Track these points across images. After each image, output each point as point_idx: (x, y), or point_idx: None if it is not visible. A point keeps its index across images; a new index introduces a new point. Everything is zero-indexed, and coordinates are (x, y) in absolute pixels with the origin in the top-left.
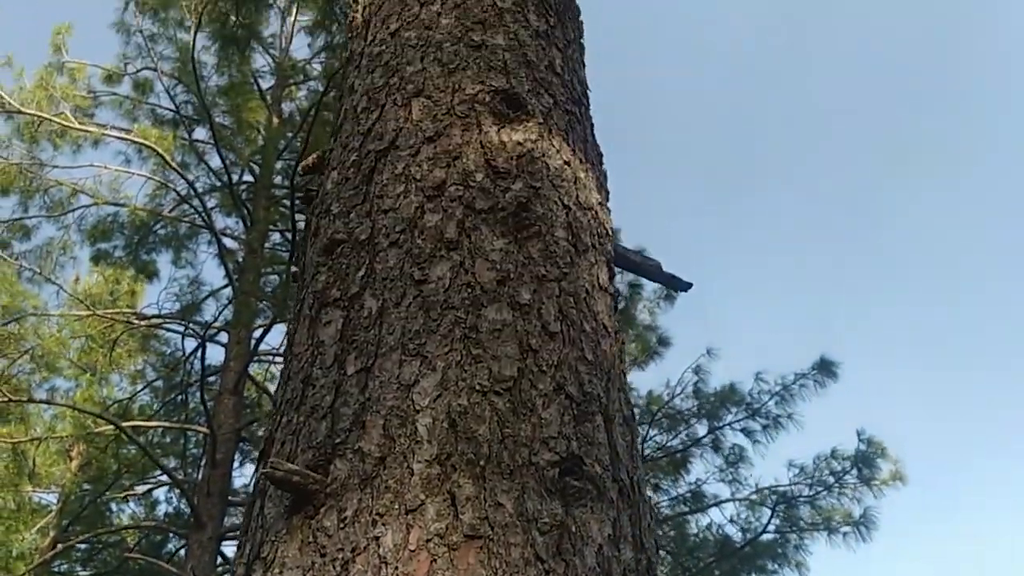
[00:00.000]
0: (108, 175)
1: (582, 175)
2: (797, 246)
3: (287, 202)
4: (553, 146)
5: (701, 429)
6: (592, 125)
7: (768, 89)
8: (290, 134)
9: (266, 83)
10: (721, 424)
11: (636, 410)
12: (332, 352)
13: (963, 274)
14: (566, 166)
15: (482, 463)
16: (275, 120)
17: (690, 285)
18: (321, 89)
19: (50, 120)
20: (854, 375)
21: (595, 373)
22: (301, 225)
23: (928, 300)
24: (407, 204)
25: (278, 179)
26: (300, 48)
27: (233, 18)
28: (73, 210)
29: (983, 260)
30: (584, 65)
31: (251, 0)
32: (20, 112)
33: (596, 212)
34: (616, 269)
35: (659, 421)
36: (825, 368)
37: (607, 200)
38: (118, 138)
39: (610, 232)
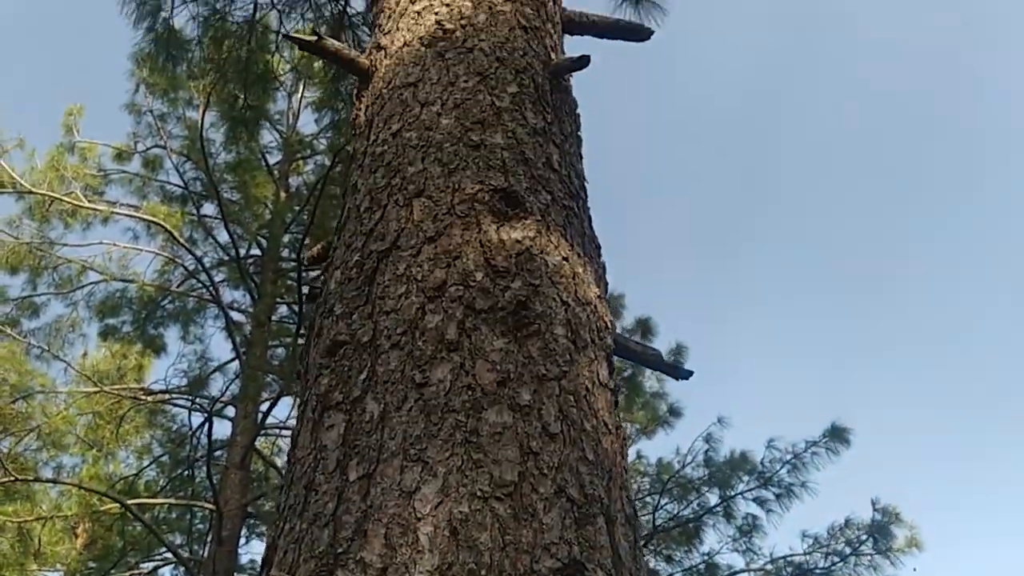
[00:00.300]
0: (117, 252)
1: (580, 270)
2: (804, 311)
3: (294, 275)
4: (551, 242)
5: (713, 498)
6: (590, 218)
7: (771, 151)
8: (297, 207)
9: (273, 158)
10: (733, 493)
11: (646, 479)
12: (334, 457)
13: (976, 334)
14: (564, 262)
15: (483, 572)
16: (282, 194)
17: (691, 373)
18: (328, 163)
19: (61, 200)
20: (866, 439)
21: (596, 473)
22: (307, 291)
23: (939, 361)
24: (408, 305)
25: (285, 252)
26: (307, 124)
27: (241, 99)
28: (82, 287)
29: (998, 320)
30: (581, 157)
31: (259, 82)
32: (31, 192)
33: (595, 307)
34: (617, 359)
35: (670, 490)
36: (837, 435)
37: (606, 292)
38: (127, 215)
39: (609, 325)
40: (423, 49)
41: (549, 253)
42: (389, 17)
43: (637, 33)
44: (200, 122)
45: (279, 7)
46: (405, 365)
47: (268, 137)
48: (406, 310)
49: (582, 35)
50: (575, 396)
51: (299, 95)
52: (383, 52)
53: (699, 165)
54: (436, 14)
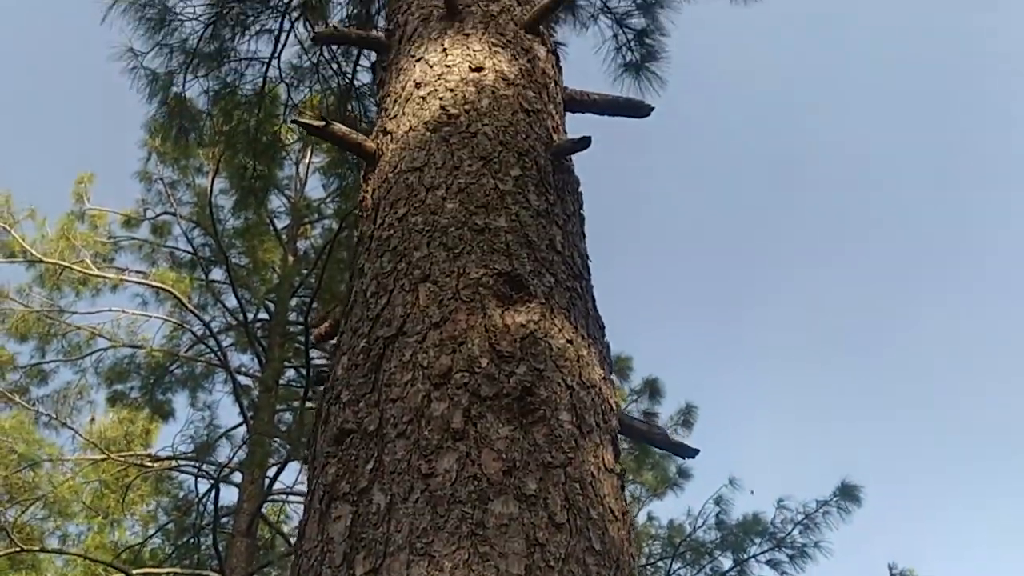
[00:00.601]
0: (126, 319)
1: (584, 352)
2: (809, 370)
3: (301, 338)
4: (555, 325)
5: (726, 562)
6: (593, 298)
7: (783, 207)
8: (304, 271)
9: (281, 222)
10: (746, 556)
11: (658, 542)
12: (341, 551)
13: (985, 388)
14: (568, 345)
15: None
16: (290, 258)
17: (696, 452)
18: (335, 227)
19: (71, 268)
20: (878, 497)
21: (603, 563)
22: (315, 359)
23: (950, 416)
24: (414, 392)
25: (292, 315)
26: (314, 188)
27: (250, 168)
28: (91, 353)
29: (1006, 374)
30: (584, 236)
31: (267, 151)
32: (42, 261)
33: (599, 389)
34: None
35: (683, 554)
36: (847, 493)
37: (610, 372)
38: (136, 282)
39: (614, 407)
40: (428, 134)
41: (553, 336)
42: (395, 102)
43: (637, 110)
44: (210, 189)
45: (287, 81)
46: (411, 455)
47: (276, 202)
48: (412, 398)
49: (583, 112)
50: (581, 483)
51: (307, 161)
52: (389, 136)
53: (709, 221)
54: (441, 99)
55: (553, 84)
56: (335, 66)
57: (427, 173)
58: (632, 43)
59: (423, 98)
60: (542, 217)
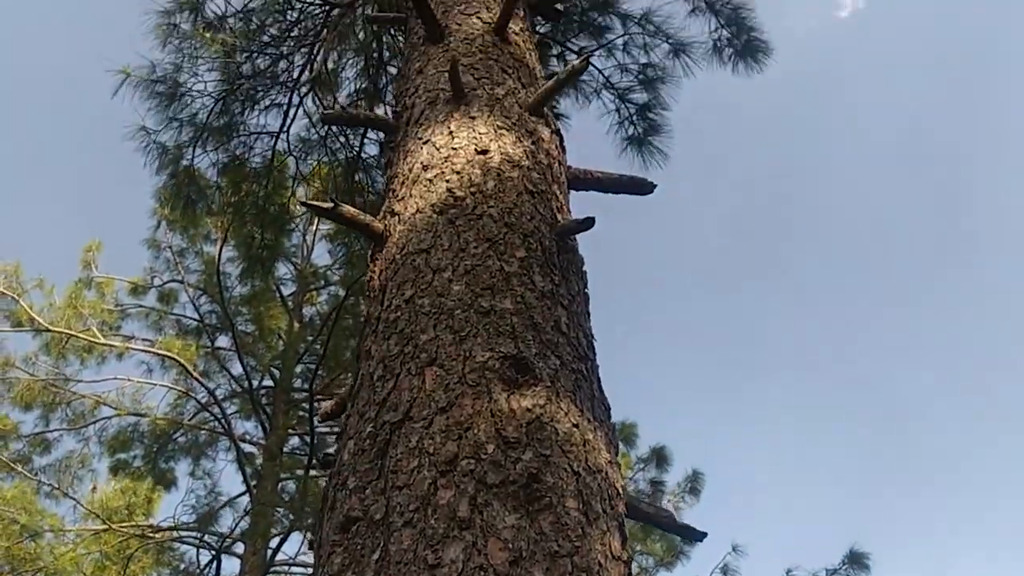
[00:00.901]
0: (131, 387)
1: (590, 436)
2: (817, 436)
3: (306, 406)
4: (561, 409)
5: None
6: (599, 379)
7: (785, 273)
8: (310, 338)
9: (287, 289)
10: None
11: None
12: None
13: (994, 457)
14: (574, 429)
15: None
16: (296, 325)
17: (704, 535)
18: (341, 294)
19: (77, 336)
20: (887, 564)
21: None
22: (319, 426)
23: (958, 483)
24: (421, 480)
25: (298, 382)
26: (320, 255)
27: (257, 238)
28: (94, 422)
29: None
30: (589, 315)
31: (275, 222)
32: (48, 330)
33: (606, 474)
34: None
35: None
36: (856, 561)
37: (616, 455)
38: (142, 350)
39: (620, 492)
40: (435, 216)
41: (559, 421)
42: (402, 184)
43: (640, 187)
44: (217, 257)
45: (295, 154)
46: (418, 545)
47: (283, 269)
48: (418, 485)
49: (587, 190)
50: (588, 572)
51: (313, 228)
52: (396, 218)
53: (717, 286)
54: (447, 181)
55: (557, 164)
56: (342, 139)
57: (434, 255)
58: (635, 117)
59: (430, 180)
60: (547, 298)
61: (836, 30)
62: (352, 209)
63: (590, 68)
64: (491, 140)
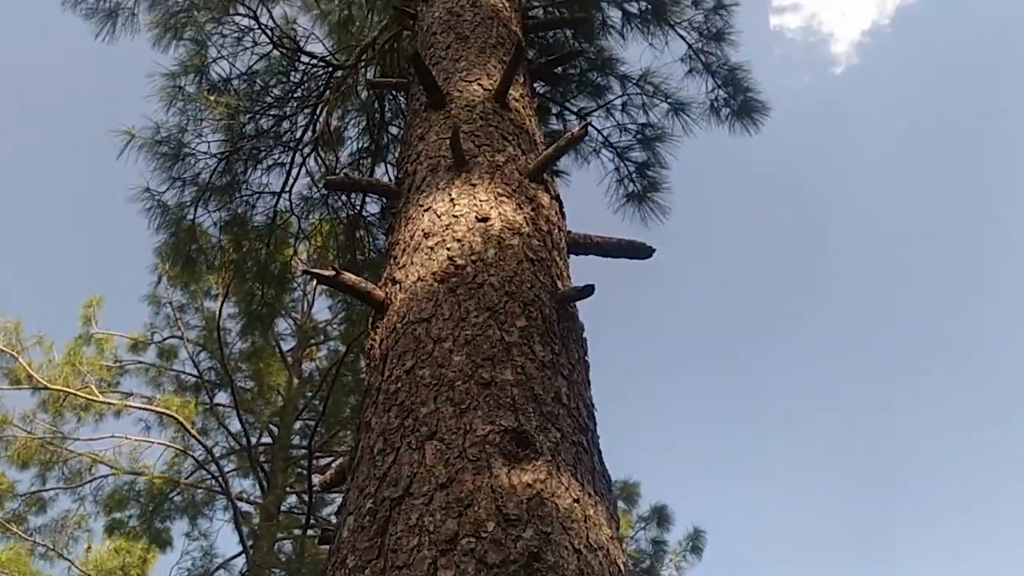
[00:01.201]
0: (128, 445)
1: (591, 512)
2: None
3: (305, 463)
4: (562, 484)
5: None
6: (599, 451)
7: (785, 330)
8: (309, 394)
9: (287, 344)
10: None
11: None
12: None
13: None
14: (575, 504)
15: None
16: (295, 380)
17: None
18: (342, 349)
19: (74, 394)
20: None
21: None
22: (316, 485)
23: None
24: (420, 559)
25: (296, 439)
26: (321, 310)
27: (258, 296)
28: (91, 480)
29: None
30: (589, 384)
31: (276, 281)
32: (47, 388)
33: (607, 551)
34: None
35: None
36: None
37: (617, 529)
38: (140, 408)
39: (622, 569)
40: (436, 285)
41: (560, 496)
42: (404, 251)
43: (639, 252)
44: (218, 312)
45: (297, 214)
46: None
47: (283, 325)
48: (418, 565)
49: (587, 255)
50: None
51: (314, 283)
52: (398, 286)
53: (719, 340)
54: (448, 249)
55: (557, 230)
56: (344, 197)
57: (434, 324)
58: (634, 175)
59: (431, 248)
60: (547, 368)
61: (831, 86)
62: (353, 277)
63: (589, 128)
64: (492, 207)
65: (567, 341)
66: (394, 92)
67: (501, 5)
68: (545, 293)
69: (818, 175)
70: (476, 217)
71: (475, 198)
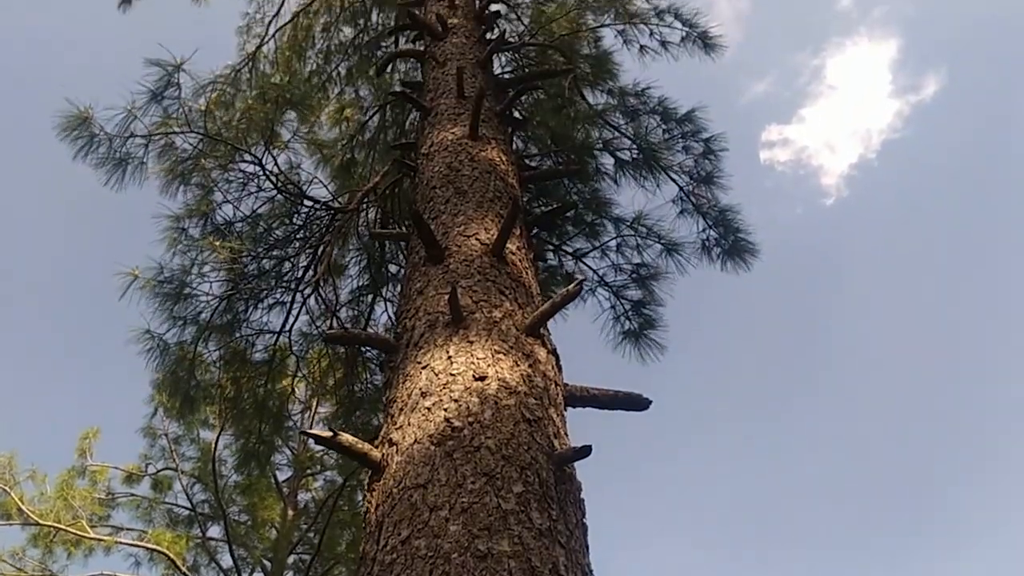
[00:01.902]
0: None
1: None
2: None
3: None
4: None
5: None
6: None
7: (775, 444)
8: (304, 526)
9: (283, 474)
10: None
11: None
12: None
13: None
14: None
15: None
16: (290, 512)
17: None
18: (339, 480)
19: (65, 530)
20: None
21: None
22: None
23: None
24: None
25: (290, 574)
26: None
27: (256, 431)
28: None
29: None
30: (587, 548)
31: (274, 419)
32: (37, 524)
33: None
34: None
35: None
36: None
37: None
38: (130, 544)
39: None
40: (432, 448)
41: None
42: (400, 410)
43: (636, 404)
44: (214, 446)
45: (296, 352)
46: None
47: (279, 456)
48: None
49: (584, 408)
50: None
51: (311, 411)
52: (395, 448)
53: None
54: (445, 410)
55: (554, 386)
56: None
57: (431, 491)
58: (630, 313)
59: (428, 409)
60: (545, 537)
61: (823, 217)
62: (350, 438)
63: (585, 268)
64: (489, 365)
65: (564, 505)
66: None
67: (498, 159)
68: (542, 455)
69: (814, 304)
70: (473, 376)
71: (472, 356)
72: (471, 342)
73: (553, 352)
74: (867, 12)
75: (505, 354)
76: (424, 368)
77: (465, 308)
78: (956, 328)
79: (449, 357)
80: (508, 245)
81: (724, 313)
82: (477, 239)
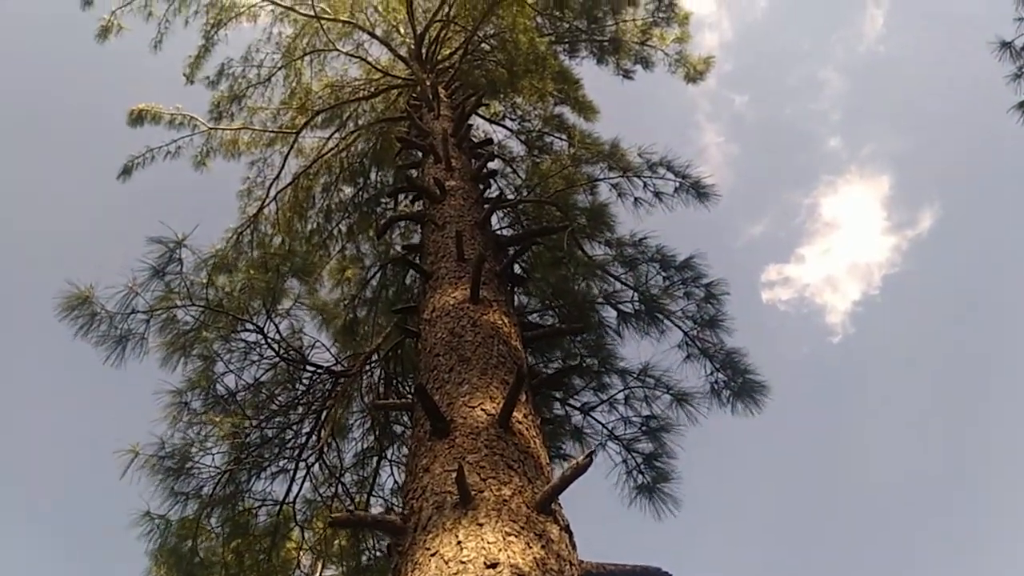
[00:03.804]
0: None
1: None
2: None
3: None
4: None
5: None
6: None
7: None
8: None
9: None
10: None
11: None
12: None
13: None
14: None
15: None
16: None
17: None
18: None
19: None
20: None
21: None
22: None
23: None
24: None
25: None
26: None
27: None
28: None
29: None
30: None
31: None
32: None
33: None
34: None
35: None
36: None
37: None
38: None
39: None
40: None
41: None
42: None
43: None
44: None
45: (300, 522)
46: None
47: None
48: None
49: None
50: None
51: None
52: None
53: None
54: None
55: (569, 567)
56: (348, 500)
57: None
58: (642, 467)
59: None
60: None
61: (830, 355)
62: None
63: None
64: (500, 550)
65: None
66: (396, 401)
67: (501, 322)
68: None
69: (828, 444)
70: (484, 563)
71: (483, 540)
72: (481, 524)
73: (566, 529)
74: (856, 151)
75: (516, 536)
76: (433, 555)
77: (473, 486)
78: (973, 467)
79: (459, 542)
80: (515, 414)
81: (736, 458)
82: (483, 409)
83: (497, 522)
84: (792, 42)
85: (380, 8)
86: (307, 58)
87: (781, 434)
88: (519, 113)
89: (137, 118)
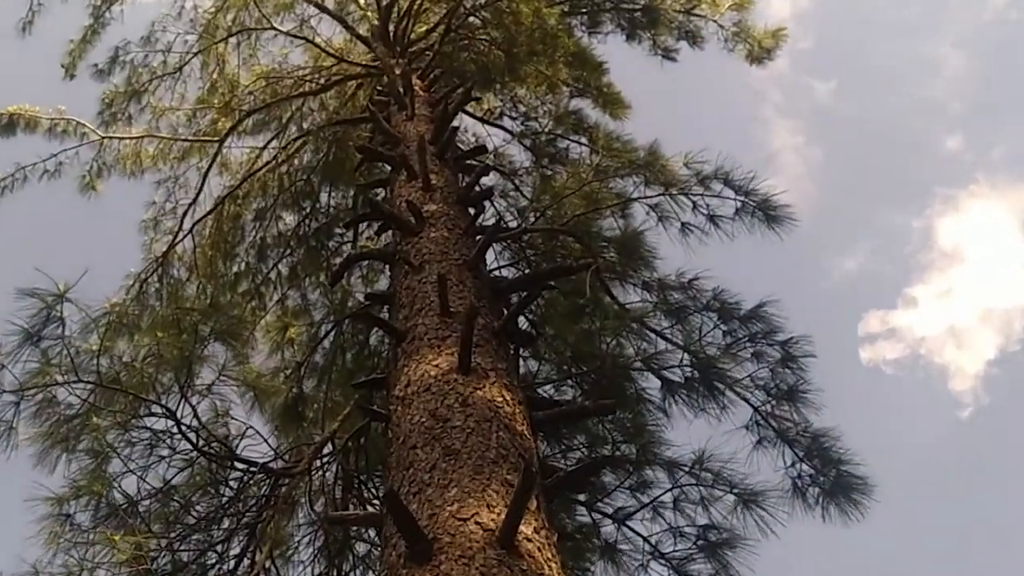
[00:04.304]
0: None
1: None
2: None
3: None
4: None
5: None
6: None
7: None
8: None
9: None
10: None
11: None
12: None
13: None
14: None
15: None
16: None
17: None
18: None
19: None
20: None
21: None
22: None
23: None
24: None
25: None
26: None
27: None
28: None
29: None
30: None
31: None
32: None
33: None
34: None
35: None
36: None
37: None
38: None
39: None
40: None
41: None
42: None
43: None
44: None
45: None
46: None
47: None
48: None
49: None
50: None
51: None
52: None
53: None
54: None
55: None
56: None
57: None
58: None
59: None
60: None
61: (955, 435)
62: None
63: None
64: None
65: None
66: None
67: (501, 398)
68: None
69: (956, 552)
70: None
71: None
72: None
73: None
74: (983, 153)
75: None
76: None
77: None
78: None
79: None
80: (521, 528)
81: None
82: (477, 522)
83: None
84: (894, 7)
85: None
86: (233, 40)
87: (893, 545)
88: (522, 110)
89: (7, 125)
